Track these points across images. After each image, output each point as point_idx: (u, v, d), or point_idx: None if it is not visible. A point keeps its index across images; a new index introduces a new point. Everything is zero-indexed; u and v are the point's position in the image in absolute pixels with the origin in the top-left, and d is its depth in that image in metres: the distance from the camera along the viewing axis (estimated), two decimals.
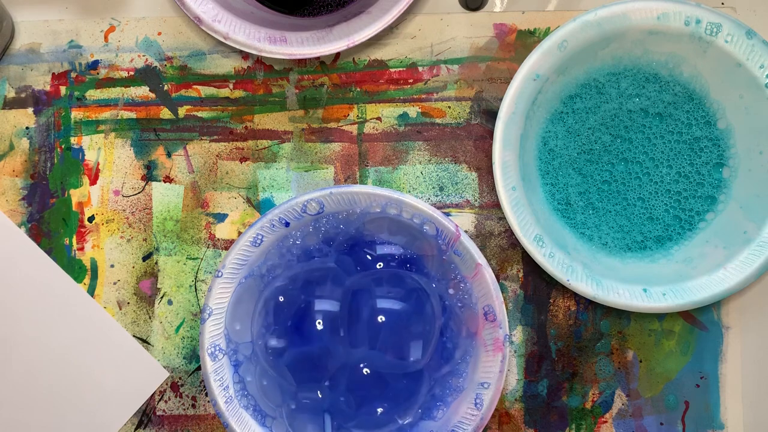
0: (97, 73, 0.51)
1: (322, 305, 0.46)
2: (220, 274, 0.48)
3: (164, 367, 0.51)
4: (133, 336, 0.51)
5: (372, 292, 0.46)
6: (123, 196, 0.51)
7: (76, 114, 0.51)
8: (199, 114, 0.51)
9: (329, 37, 0.49)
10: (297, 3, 0.52)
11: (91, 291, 0.51)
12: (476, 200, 0.51)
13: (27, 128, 0.51)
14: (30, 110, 0.51)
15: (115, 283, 0.51)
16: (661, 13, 0.47)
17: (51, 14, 0.52)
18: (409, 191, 0.51)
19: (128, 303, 0.51)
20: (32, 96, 0.51)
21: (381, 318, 0.45)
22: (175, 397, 0.50)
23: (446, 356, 0.48)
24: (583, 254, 0.49)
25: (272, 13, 0.52)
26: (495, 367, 0.47)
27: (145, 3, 0.52)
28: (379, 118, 0.51)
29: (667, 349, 0.50)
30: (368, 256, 0.48)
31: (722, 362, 0.50)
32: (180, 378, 0.51)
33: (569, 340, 0.50)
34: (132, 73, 0.51)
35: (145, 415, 0.50)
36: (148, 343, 0.51)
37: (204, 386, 0.50)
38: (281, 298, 0.47)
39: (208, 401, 0.50)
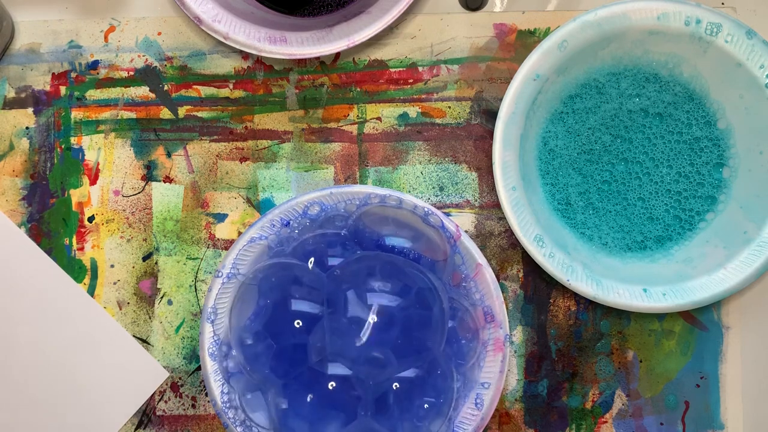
0: (97, 73, 0.51)
1: (299, 306, 0.45)
2: (220, 274, 0.48)
3: (164, 367, 0.51)
4: (133, 336, 0.51)
5: (366, 283, 0.45)
6: (123, 196, 0.51)
7: (76, 114, 0.51)
8: (199, 114, 0.51)
9: (329, 37, 0.49)
10: (297, 3, 0.52)
11: (91, 291, 0.51)
12: (476, 200, 0.51)
13: (27, 128, 0.51)
14: (30, 110, 0.51)
15: (115, 283, 0.51)
16: (661, 13, 0.47)
17: (51, 14, 0.52)
18: (409, 191, 0.51)
19: (128, 303, 0.51)
20: (32, 96, 0.51)
21: (373, 318, 0.45)
22: (175, 397, 0.50)
23: (461, 360, 0.47)
24: (583, 254, 0.49)
25: (272, 13, 0.52)
26: (495, 367, 0.47)
27: (145, 3, 0.52)
28: (379, 118, 0.51)
29: (667, 349, 0.50)
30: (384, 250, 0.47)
31: (722, 362, 0.50)
32: (180, 378, 0.51)
33: (569, 340, 0.50)
34: (132, 73, 0.51)
35: (145, 415, 0.50)
36: (148, 343, 0.51)
37: (204, 386, 0.50)
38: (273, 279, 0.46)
39: (208, 401, 0.50)
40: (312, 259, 0.46)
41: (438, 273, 0.47)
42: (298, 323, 0.45)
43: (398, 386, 0.45)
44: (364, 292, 0.45)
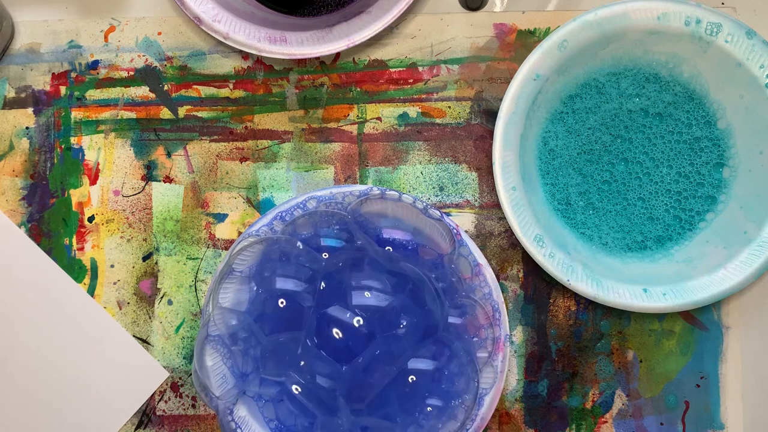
0: (97, 73, 0.51)
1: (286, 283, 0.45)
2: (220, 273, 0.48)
3: (164, 367, 0.51)
4: (133, 336, 0.51)
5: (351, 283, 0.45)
6: (123, 196, 0.51)
7: (76, 114, 0.51)
8: (199, 114, 0.51)
9: (329, 37, 0.49)
10: (297, 3, 0.52)
11: (91, 291, 0.51)
12: (476, 200, 0.51)
13: (27, 128, 0.51)
14: (30, 110, 0.51)
15: (115, 283, 0.51)
16: (661, 13, 0.47)
17: (51, 14, 0.52)
18: (409, 191, 0.51)
19: (128, 303, 0.51)
20: (32, 96, 0.51)
21: (358, 320, 0.44)
22: (175, 397, 0.50)
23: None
24: (583, 254, 0.49)
25: (272, 13, 0.52)
26: (495, 367, 0.47)
27: (145, 3, 0.52)
28: (379, 118, 0.51)
29: (667, 349, 0.50)
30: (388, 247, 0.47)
31: (722, 362, 0.50)
32: (180, 378, 0.51)
33: (569, 340, 0.50)
34: (132, 73, 0.51)
35: (145, 415, 0.50)
36: (148, 343, 0.51)
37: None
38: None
39: None
40: (299, 243, 0.45)
41: (445, 267, 0.47)
42: (282, 302, 0.45)
43: (414, 379, 0.44)
44: (350, 292, 0.45)
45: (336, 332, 0.44)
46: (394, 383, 0.44)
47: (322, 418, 0.44)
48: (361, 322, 0.44)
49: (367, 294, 0.44)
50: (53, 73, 0.51)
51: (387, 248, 0.47)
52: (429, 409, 0.45)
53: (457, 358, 0.45)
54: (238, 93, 0.51)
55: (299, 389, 0.44)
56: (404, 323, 0.44)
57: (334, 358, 0.44)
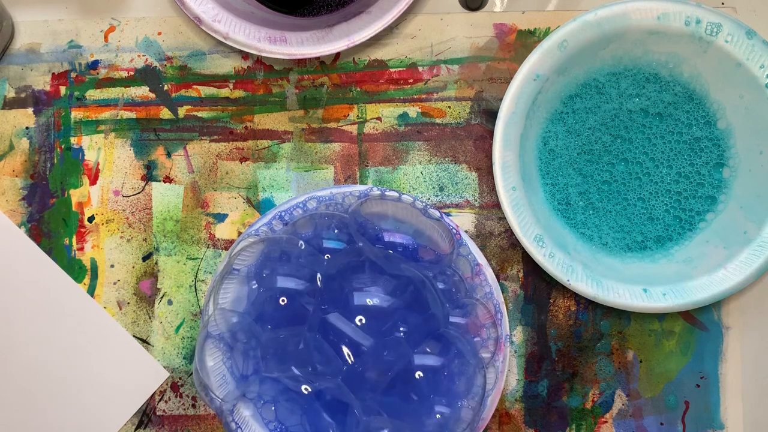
0: (97, 73, 0.51)
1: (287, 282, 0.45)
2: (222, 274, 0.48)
3: (164, 367, 0.51)
4: (133, 336, 0.51)
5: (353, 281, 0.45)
6: (123, 196, 0.51)
7: (76, 114, 0.51)
8: (199, 114, 0.51)
9: (329, 37, 0.49)
10: (297, 3, 0.52)
11: (91, 291, 0.51)
12: (476, 200, 0.51)
13: (27, 128, 0.51)
14: (30, 110, 0.51)
15: (115, 283, 0.51)
16: (661, 13, 0.47)
17: (51, 14, 0.52)
18: (409, 191, 0.51)
19: (128, 303, 0.51)
20: (32, 96, 0.51)
21: (361, 319, 0.44)
22: (175, 397, 0.50)
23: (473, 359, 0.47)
24: (583, 254, 0.49)
25: (272, 13, 0.52)
26: (496, 368, 0.47)
27: (145, 3, 0.52)
28: (379, 118, 0.51)
29: (667, 349, 0.50)
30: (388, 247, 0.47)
31: (722, 362, 0.50)
32: (180, 378, 0.51)
33: (569, 340, 0.50)
34: (132, 73, 0.51)
35: (145, 415, 0.50)
36: (148, 343, 0.51)
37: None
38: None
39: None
40: (301, 242, 0.45)
41: (446, 267, 0.47)
42: (283, 301, 0.45)
43: (421, 375, 0.44)
44: (350, 296, 0.45)
45: (336, 337, 0.44)
46: (399, 382, 0.44)
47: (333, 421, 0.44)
48: (362, 326, 0.44)
49: (368, 301, 0.44)
50: (53, 73, 0.51)
51: (387, 251, 0.47)
52: (438, 416, 0.45)
53: (461, 357, 0.45)
54: (238, 93, 0.51)
55: (308, 389, 0.44)
56: (404, 326, 0.44)
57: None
